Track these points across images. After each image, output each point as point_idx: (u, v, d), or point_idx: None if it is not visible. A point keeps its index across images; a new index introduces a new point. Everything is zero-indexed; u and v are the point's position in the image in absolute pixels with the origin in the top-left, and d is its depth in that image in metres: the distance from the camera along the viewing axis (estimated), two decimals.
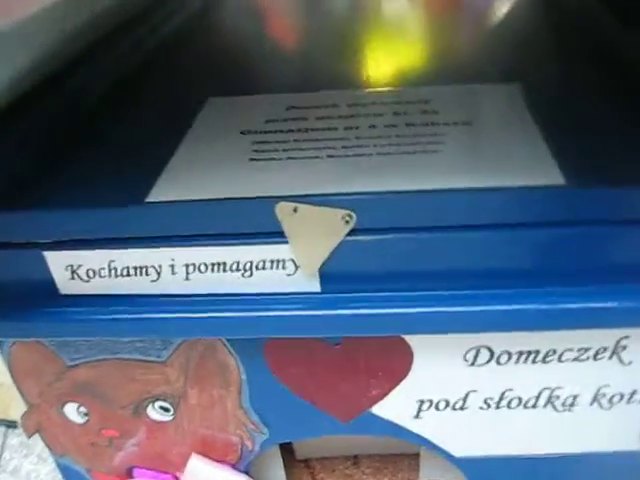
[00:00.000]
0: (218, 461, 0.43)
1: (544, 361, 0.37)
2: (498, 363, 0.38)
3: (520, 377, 0.38)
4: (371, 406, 0.40)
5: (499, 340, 0.37)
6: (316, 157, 0.37)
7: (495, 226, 0.33)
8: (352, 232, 0.33)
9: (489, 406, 0.39)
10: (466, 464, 0.42)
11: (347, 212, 0.33)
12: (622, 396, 0.39)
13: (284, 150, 0.38)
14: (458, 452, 0.42)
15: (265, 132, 0.40)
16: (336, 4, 0.68)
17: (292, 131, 0.40)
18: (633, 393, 0.39)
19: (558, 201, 0.32)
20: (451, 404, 0.39)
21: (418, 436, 0.41)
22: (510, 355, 0.37)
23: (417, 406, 0.39)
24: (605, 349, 0.37)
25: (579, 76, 0.45)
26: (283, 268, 0.34)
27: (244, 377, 0.39)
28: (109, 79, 0.50)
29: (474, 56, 0.50)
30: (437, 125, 0.39)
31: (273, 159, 0.37)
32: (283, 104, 0.43)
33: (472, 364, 0.38)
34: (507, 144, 0.36)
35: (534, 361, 0.37)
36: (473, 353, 0.37)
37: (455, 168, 0.34)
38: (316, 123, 0.40)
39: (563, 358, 0.37)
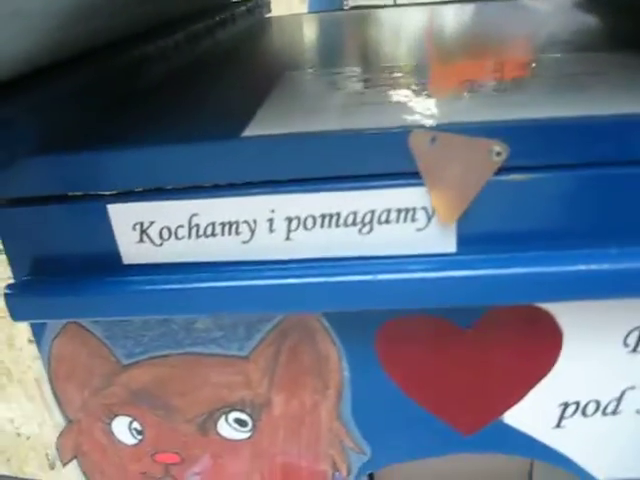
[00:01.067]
0: None
1: None
2: None
3: None
4: (502, 413, 0.32)
5: None
6: (448, 95, 0.31)
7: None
8: (502, 170, 0.27)
9: None
10: None
11: (498, 143, 0.26)
12: None
13: (402, 93, 0.31)
14: (603, 473, 0.33)
15: (367, 82, 0.34)
16: None
17: (404, 85, 0.34)
18: None
19: None
20: (602, 407, 0.32)
21: (556, 453, 0.33)
22: None
23: (560, 411, 0.32)
24: None
25: None
26: (412, 220, 0.28)
27: (347, 375, 0.31)
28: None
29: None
30: (587, 75, 0.33)
31: (386, 102, 0.31)
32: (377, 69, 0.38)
33: (634, 349, 0.30)
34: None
35: None
36: (637, 335, 0.30)
37: (625, 95, 0.28)
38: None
39: None
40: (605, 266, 0.27)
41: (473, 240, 0.28)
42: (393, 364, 0.31)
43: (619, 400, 0.31)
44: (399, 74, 0.36)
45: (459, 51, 0.44)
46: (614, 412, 0.32)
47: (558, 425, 0.32)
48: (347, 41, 0.57)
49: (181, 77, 0.41)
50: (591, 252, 0.27)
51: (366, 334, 0.30)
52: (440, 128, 0.26)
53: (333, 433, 0.33)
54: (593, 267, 0.27)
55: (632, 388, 0.31)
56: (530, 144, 0.27)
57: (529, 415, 0.32)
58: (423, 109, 0.29)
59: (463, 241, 0.28)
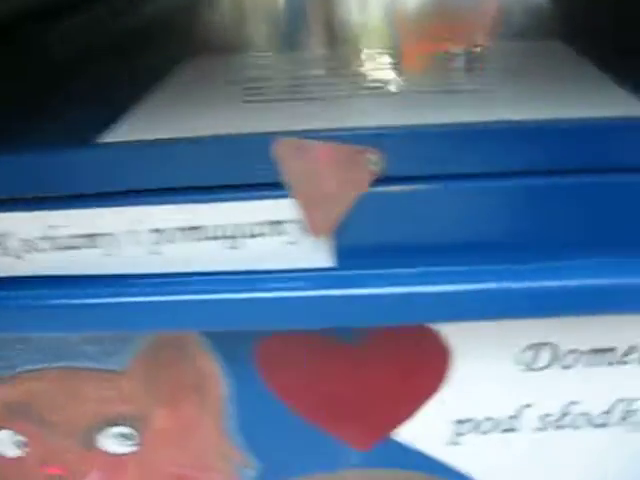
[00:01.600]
0: None
1: (621, 362, 0.29)
2: (563, 366, 0.29)
3: (589, 385, 0.29)
4: (393, 429, 0.30)
5: (567, 334, 0.28)
6: (331, 96, 0.28)
7: (587, 171, 0.24)
8: (379, 181, 0.25)
9: (547, 426, 0.30)
10: None
11: (373, 151, 0.24)
12: None
13: (288, 91, 0.29)
14: None
15: (251, 80, 0.32)
16: None
17: (298, 78, 0.32)
18: None
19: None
20: (498, 424, 0.30)
21: (453, 469, 0.31)
22: (579, 355, 0.28)
23: (454, 428, 0.30)
24: None
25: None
26: (283, 234, 0.26)
27: (228, 391, 0.30)
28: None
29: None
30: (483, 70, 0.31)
31: (268, 101, 0.29)
32: (283, 59, 0.35)
33: (529, 368, 0.29)
34: (570, 82, 0.29)
35: (610, 363, 0.29)
36: (531, 354, 0.28)
37: (514, 101, 0.26)
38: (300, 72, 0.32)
39: None
40: (493, 285, 0.25)
41: (353, 254, 0.26)
42: (276, 381, 0.29)
43: (516, 418, 0.30)
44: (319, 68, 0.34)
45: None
46: (511, 430, 0.30)
47: (453, 442, 0.31)
48: (287, 20, 0.55)
49: (69, 64, 0.38)
50: (480, 269, 0.26)
51: (245, 350, 0.29)
52: (309, 135, 0.24)
53: (220, 448, 0.31)
54: (482, 286, 0.25)
55: (529, 406, 0.30)
56: (409, 152, 0.25)
57: (422, 432, 0.30)
58: (314, 110, 0.27)
59: (342, 255, 0.26)
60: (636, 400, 0.30)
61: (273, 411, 0.30)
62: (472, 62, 0.31)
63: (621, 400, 0.30)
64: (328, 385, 0.29)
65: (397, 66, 0.34)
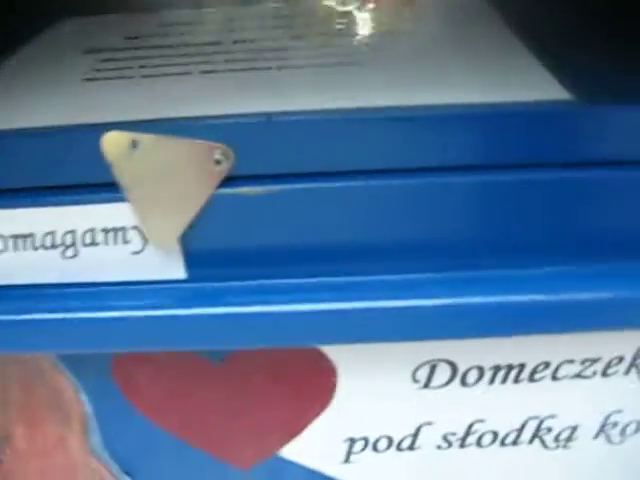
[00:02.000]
0: None
1: (531, 379, 0.25)
2: (464, 384, 0.25)
3: (496, 403, 0.26)
4: (279, 448, 0.27)
5: (466, 350, 0.24)
6: (185, 73, 0.24)
7: (472, 168, 0.21)
8: (232, 181, 0.21)
9: (450, 444, 0.27)
10: None
11: (220, 146, 0.20)
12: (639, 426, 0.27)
13: (140, 67, 0.25)
14: None
15: (119, 49, 0.27)
16: None
17: (158, 47, 0.27)
18: None
19: (565, 125, 0.20)
20: (395, 443, 0.27)
21: None
22: (482, 372, 0.25)
23: (346, 447, 0.27)
24: (620, 360, 0.25)
25: None
26: (124, 242, 0.22)
27: (89, 408, 0.26)
28: None
29: None
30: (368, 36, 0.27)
31: (120, 77, 0.24)
32: (153, 22, 0.30)
33: (425, 386, 0.25)
34: (480, 55, 0.24)
35: (517, 380, 0.25)
36: (426, 370, 0.25)
37: (408, 81, 0.22)
38: (197, 37, 0.28)
39: (559, 374, 0.25)
40: (380, 303, 0.22)
41: (205, 263, 0.22)
42: (138, 397, 0.26)
43: (415, 436, 0.27)
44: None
45: None
46: (411, 448, 0.27)
47: (347, 460, 0.27)
48: None
49: None
50: (354, 283, 0.22)
51: (100, 366, 0.25)
52: (144, 129, 0.20)
53: (88, 466, 0.28)
54: (365, 304, 0.22)
55: (429, 424, 0.26)
56: (264, 147, 0.21)
57: (313, 450, 0.27)
58: (165, 91, 0.22)
59: (193, 265, 0.22)
60: (549, 418, 0.26)
61: (140, 428, 0.27)
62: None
63: (533, 418, 0.26)
64: (197, 402, 0.26)
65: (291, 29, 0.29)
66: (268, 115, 0.20)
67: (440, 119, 0.21)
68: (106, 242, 0.22)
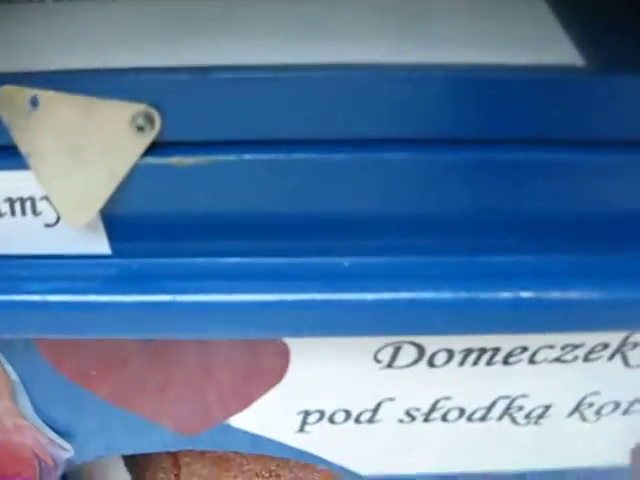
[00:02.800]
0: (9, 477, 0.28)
1: (506, 362, 0.23)
2: (431, 365, 0.23)
3: (465, 383, 0.24)
4: (226, 418, 0.25)
5: (435, 336, 0.22)
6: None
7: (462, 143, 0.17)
8: (158, 148, 0.17)
9: (413, 418, 0.25)
10: None
11: (144, 108, 0.16)
12: (617, 406, 0.25)
13: None
14: (367, 470, 0.28)
15: None
16: None
17: None
18: (634, 402, 0.25)
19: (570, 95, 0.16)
20: (353, 416, 0.25)
21: (305, 453, 0.27)
22: (451, 354, 0.22)
23: (300, 418, 0.25)
24: (605, 346, 0.22)
25: None
26: (34, 213, 0.18)
27: (15, 378, 0.24)
28: None
29: None
30: None
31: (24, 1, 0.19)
32: None
33: (389, 366, 0.23)
34: (499, 14, 0.20)
35: (489, 362, 0.23)
36: (390, 351, 0.22)
37: (403, 33, 0.18)
38: None
39: (537, 358, 0.23)
40: (344, 296, 0.18)
41: (132, 236, 0.19)
42: (69, 369, 0.23)
43: (375, 410, 0.25)
44: None
45: None
46: (370, 420, 0.25)
47: (301, 430, 0.25)
48: None
49: None
50: (304, 262, 0.19)
51: (24, 340, 0.22)
52: (47, 82, 0.16)
53: (22, 430, 0.26)
54: (309, 296, 0.18)
55: (391, 399, 0.24)
56: (193, 107, 0.16)
57: (262, 420, 0.25)
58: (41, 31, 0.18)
59: (118, 238, 0.19)
60: (521, 397, 0.24)
61: (77, 396, 0.24)
62: None
63: (504, 397, 0.24)
64: (131, 375, 0.23)
65: None
66: (203, 70, 0.16)
67: (424, 80, 0.17)
68: (12, 213, 0.18)
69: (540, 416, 0.25)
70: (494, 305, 0.18)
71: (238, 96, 0.16)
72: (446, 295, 0.18)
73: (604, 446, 0.27)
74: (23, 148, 0.16)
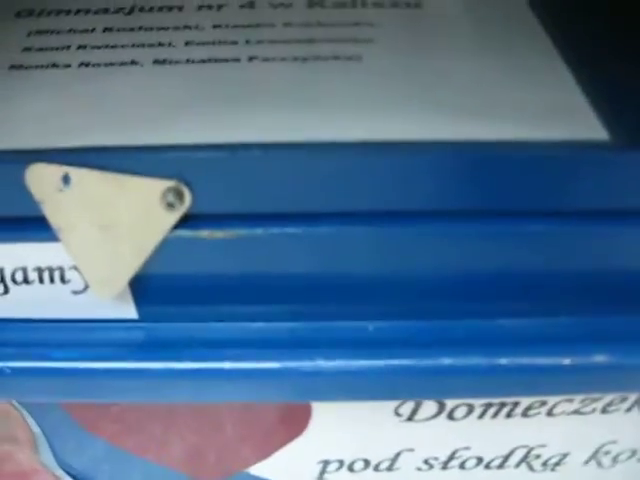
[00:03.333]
0: None
1: (525, 415, 0.23)
2: (451, 418, 0.23)
3: (483, 434, 0.24)
4: (246, 467, 0.25)
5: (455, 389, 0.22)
6: (134, 63, 0.20)
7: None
8: (188, 221, 0.17)
9: (431, 467, 0.25)
10: None
11: (173, 185, 0.16)
12: (633, 453, 0.25)
13: (79, 47, 0.20)
14: None
15: (57, 12, 0.22)
16: None
17: (104, 11, 0.22)
18: None
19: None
20: (372, 465, 0.25)
21: None
22: (471, 409, 0.23)
23: (320, 467, 0.25)
24: (623, 399, 0.23)
25: None
26: (63, 281, 0.18)
27: (37, 430, 0.24)
28: None
29: None
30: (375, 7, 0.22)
31: (54, 65, 0.20)
32: None
33: (409, 419, 0.23)
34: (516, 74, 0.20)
35: (509, 415, 0.23)
36: (410, 406, 0.23)
37: (409, 97, 0.18)
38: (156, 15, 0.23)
39: (555, 411, 0.23)
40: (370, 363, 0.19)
41: (160, 300, 0.19)
42: (95, 426, 0.23)
43: (394, 460, 0.25)
44: None
45: None
46: (389, 469, 0.25)
47: (320, 478, 0.26)
48: None
49: None
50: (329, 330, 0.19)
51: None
52: (78, 161, 0.16)
53: (41, 477, 0.26)
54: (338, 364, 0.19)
55: (410, 450, 0.24)
56: (224, 184, 0.17)
57: (283, 469, 0.25)
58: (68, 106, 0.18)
59: (145, 302, 0.19)
60: (539, 447, 0.24)
61: (96, 447, 0.24)
62: None
63: (522, 447, 0.24)
64: (155, 427, 0.24)
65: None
66: (232, 148, 0.16)
67: (436, 158, 0.17)
68: (41, 281, 0.18)
69: (557, 464, 0.25)
70: (516, 371, 0.18)
71: (265, 172, 0.17)
72: (470, 361, 0.18)
73: None
74: (54, 222, 0.17)
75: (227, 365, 0.18)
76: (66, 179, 0.16)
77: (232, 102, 0.18)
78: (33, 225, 0.17)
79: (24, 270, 0.18)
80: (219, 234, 0.17)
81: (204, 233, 0.17)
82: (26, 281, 0.18)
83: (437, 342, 0.19)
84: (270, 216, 0.17)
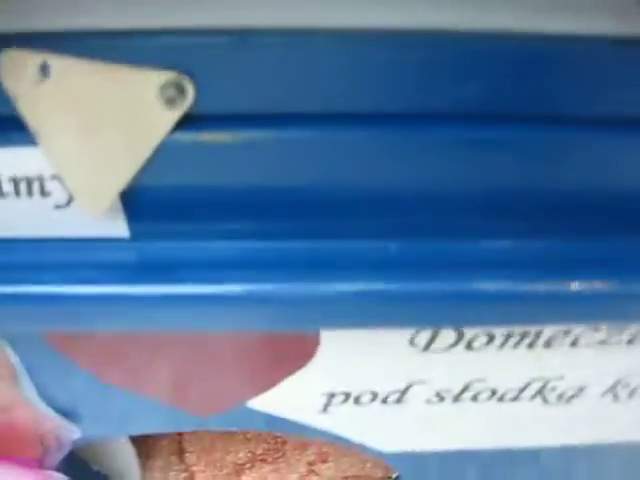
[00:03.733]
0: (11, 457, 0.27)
1: (547, 345, 0.22)
2: (469, 348, 0.21)
3: (500, 365, 0.22)
4: (245, 400, 0.23)
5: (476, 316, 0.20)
6: None
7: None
8: (188, 123, 0.15)
9: (442, 399, 0.24)
10: (400, 460, 0.27)
11: (174, 76, 0.14)
12: None
13: None
14: (388, 447, 0.27)
15: None
16: None
17: None
18: None
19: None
20: (380, 398, 0.24)
21: (324, 432, 0.25)
22: (492, 338, 0.21)
23: (324, 400, 0.24)
24: None
25: None
26: (43, 194, 0.16)
27: (16, 361, 0.22)
28: None
29: None
30: None
31: None
32: None
33: (424, 349, 0.21)
34: None
35: (531, 345, 0.22)
36: (427, 335, 0.21)
37: None
38: None
39: (581, 342, 0.21)
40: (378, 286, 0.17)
41: (154, 216, 0.16)
42: (77, 356, 0.21)
43: (404, 392, 0.23)
44: None
45: None
46: (397, 401, 0.24)
47: (324, 410, 0.24)
48: None
49: None
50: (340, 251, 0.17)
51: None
52: (59, 44, 0.13)
53: (25, 413, 0.24)
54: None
55: (422, 382, 0.23)
56: (223, 81, 0.14)
57: (283, 402, 0.24)
58: None
59: (138, 218, 0.16)
60: (556, 379, 0.23)
61: (83, 380, 0.23)
62: None
63: (538, 379, 0.23)
64: (143, 358, 0.22)
65: None
66: (243, 33, 0.14)
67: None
68: (16, 193, 0.16)
69: (573, 396, 0.24)
70: (539, 297, 0.17)
71: (284, 62, 0.14)
72: (490, 286, 0.16)
73: (633, 422, 0.26)
74: (31, 123, 0.14)
75: (229, 288, 0.16)
76: (45, 69, 0.14)
77: None
78: (5, 126, 0.15)
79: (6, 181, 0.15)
80: (225, 137, 0.15)
81: (207, 136, 0.15)
82: (2, 193, 0.16)
83: (458, 265, 0.17)
84: (284, 117, 0.15)
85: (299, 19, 0.14)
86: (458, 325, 0.19)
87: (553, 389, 0.23)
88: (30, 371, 0.22)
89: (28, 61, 0.13)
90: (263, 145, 0.15)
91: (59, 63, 0.13)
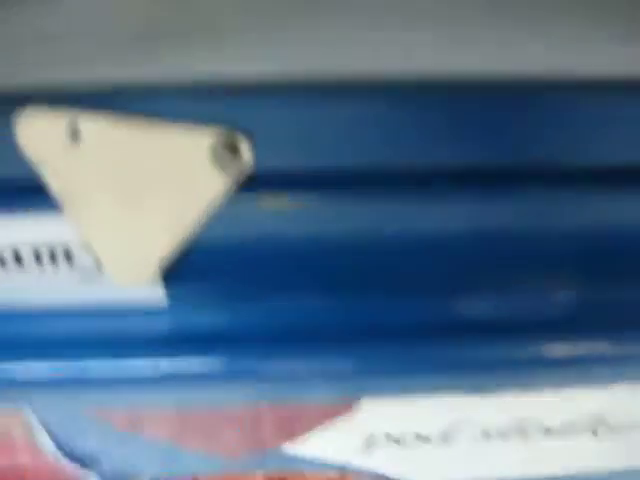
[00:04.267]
0: None
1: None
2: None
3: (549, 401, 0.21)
4: (279, 445, 0.22)
5: None
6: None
7: None
8: (246, 186, 0.13)
9: (489, 436, 0.22)
10: None
11: (228, 134, 0.12)
12: None
13: None
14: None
15: None
16: None
17: None
18: None
19: None
20: (423, 437, 0.22)
21: (363, 471, 0.24)
22: None
23: (364, 442, 0.22)
24: None
25: None
26: (67, 259, 0.14)
27: (35, 423, 0.20)
28: None
29: None
30: None
31: None
32: None
33: None
34: None
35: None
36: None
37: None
38: None
39: None
40: None
41: (193, 286, 0.14)
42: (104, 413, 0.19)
43: (448, 431, 0.22)
44: None
45: None
46: (442, 440, 0.22)
47: (364, 452, 0.23)
48: None
49: None
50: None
51: None
52: (91, 102, 0.11)
53: (41, 462, 0.22)
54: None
55: (468, 421, 0.21)
56: (284, 134, 0.12)
57: (321, 446, 0.22)
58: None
59: (176, 285, 0.14)
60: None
61: (102, 431, 0.21)
62: None
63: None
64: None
65: None
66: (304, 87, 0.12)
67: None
68: (37, 261, 0.14)
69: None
70: None
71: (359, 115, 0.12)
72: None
73: None
74: (57, 189, 0.12)
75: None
76: (74, 131, 0.11)
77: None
78: (27, 193, 0.13)
79: (14, 249, 0.13)
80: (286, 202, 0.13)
81: (267, 201, 0.13)
82: (18, 261, 0.14)
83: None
84: (354, 174, 0.13)
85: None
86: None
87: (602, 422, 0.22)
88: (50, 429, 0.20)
89: (53, 122, 0.11)
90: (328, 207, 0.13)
91: (90, 124, 0.11)
